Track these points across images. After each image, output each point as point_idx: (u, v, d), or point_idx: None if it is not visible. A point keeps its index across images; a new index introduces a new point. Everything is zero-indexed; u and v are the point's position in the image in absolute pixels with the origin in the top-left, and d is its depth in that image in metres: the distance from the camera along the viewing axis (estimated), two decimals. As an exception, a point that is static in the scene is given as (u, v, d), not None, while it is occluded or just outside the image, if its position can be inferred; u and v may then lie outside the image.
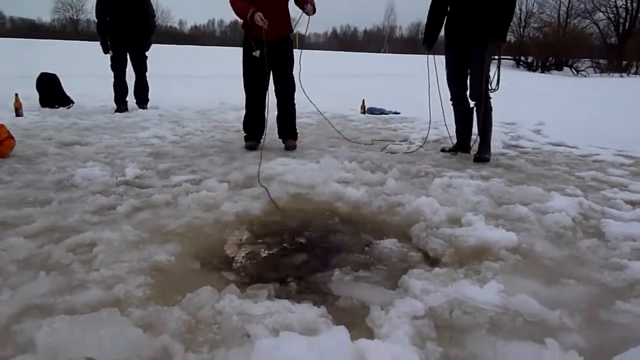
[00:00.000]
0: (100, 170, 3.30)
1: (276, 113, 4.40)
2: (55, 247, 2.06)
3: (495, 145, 4.61)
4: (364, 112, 7.11)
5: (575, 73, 30.50)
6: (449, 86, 4.16)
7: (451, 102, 4.22)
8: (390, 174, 3.37)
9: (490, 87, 3.93)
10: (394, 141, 4.91)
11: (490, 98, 3.97)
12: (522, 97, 9.50)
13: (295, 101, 4.39)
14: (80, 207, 2.61)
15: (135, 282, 1.76)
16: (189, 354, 1.35)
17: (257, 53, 4.02)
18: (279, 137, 4.38)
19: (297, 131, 4.48)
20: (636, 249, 2.13)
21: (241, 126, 5.51)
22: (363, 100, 7.15)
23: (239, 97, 7.90)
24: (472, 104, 4.09)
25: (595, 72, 30.84)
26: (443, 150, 4.33)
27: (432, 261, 2.09)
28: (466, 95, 4.11)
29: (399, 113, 7.19)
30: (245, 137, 4.46)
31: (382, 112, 7.13)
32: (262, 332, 1.40)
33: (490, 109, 3.98)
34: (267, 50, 3.94)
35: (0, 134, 3.79)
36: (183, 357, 1.33)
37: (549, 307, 1.60)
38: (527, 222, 2.44)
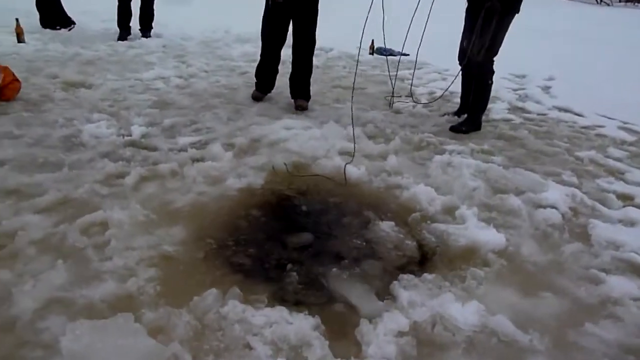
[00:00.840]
0: (107, 127, 3.34)
1: (290, 70, 4.25)
2: (70, 226, 2.18)
3: (501, 108, 4.60)
4: (372, 53, 6.95)
5: (599, 1, 28.99)
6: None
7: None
8: (392, 145, 3.42)
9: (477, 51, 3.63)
10: (399, 95, 4.85)
11: (490, 71, 3.81)
12: (537, 39, 9.18)
13: (313, 60, 4.23)
14: (90, 175, 2.70)
15: (145, 274, 1.91)
16: (197, 363, 1.52)
17: None
18: (291, 95, 4.30)
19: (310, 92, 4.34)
20: (616, 258, 2.26)
21: (245, 65, 5.44)
22: (372, 41, 6.94)
23: (243, 25, 7.70)
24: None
25: (620, 1, 29.25)
26: (446, 113, 4.30)
27: (423, 258, 2.22)
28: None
29: (407, 55, 6.99)
30: (255, 83, 4.41)
31: (390, 53, 6.93)
32: (261, 347, 1.56)
33: (487, 83, 3.83)
34: (291, 1, 3.80)
35: (5, 77, 3.78)
36: (191, 367, 1.51)
37: (522, 327, 1.76)
38: (518, 218, 2.55)
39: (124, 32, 6.58)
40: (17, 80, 3.91)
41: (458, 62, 4.06)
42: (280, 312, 1.73)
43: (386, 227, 2.39)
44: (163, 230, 2.23)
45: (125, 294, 1.80)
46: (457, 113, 4.26)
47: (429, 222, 2.46)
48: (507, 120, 4.31)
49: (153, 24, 6.83)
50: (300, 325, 1.67)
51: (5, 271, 1.87)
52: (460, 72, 4.14)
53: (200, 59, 5.77)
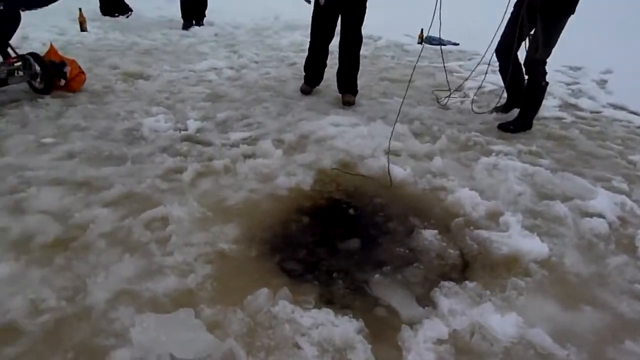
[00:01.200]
0: (165, 121, 3.54)
1: (337, 66, 4.30)
2: (134, 221, 2.38)
3: (552, 105, 4.51)
4: (421, 42, 6.88)
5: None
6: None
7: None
8: (438, 144, 3.45)
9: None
10: (448, 89, 4.82)
11: (543, 73, 3.69)
12: (598, 28, 8.78)
13: (360, 56, 4.26)
14: (151, 169, 2.90)
15: (203, 271, 2.07)
16: (250, 359, 1.67)
17: (321, 0, 3.93)
18: (338, 90, 4.37)
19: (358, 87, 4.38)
20: (662, 273, 2.25)
21: (293, 55, 5.53)
22: (422, 30, 6.87)
23: (292, 11, 7.77)
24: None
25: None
26: (495, 109, 4.25)
27: (464, 265, 2.29)
28: (508, 49, 3.78)
29: (457, 44, 6.91)
30: (304, 77, 4.50)
31: (440, 42, 6.84)
32: (308, 348, 1.70)
33: (540, 84, 3.71)
34: None
35: (72, 70, 4.04)
36: (245, 361, 1.66)
37: (560, 341, 1.81)
38: (563, 226, 2.56)
39: (188, 23, 6.79)
40: (82, 72, 4.16)
41: (496, 55, 3.98)
42: (326, 315, 1.85)
43: (429, 235, 2.44)
44: (218, 227, 2.39)
45: (185, 289, 1.97)
46: (506, 109, 4.21)
47: (472, 228, 2.51)
48: (558, 119, 4.23)
49: (206, 12, 7.01)
50: (345, 328, 1.79)
51: (81, 263, 2.08)
52: (499, 67, 4.05)
53: (251, 48, 5.91)
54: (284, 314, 1.84)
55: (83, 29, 6.07)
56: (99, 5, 7.17)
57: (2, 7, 3.32)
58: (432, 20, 2.93)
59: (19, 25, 3.68)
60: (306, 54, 4.41)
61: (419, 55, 3.39)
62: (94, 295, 1.91)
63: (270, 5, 8.27)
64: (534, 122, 3.98)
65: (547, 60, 3.64)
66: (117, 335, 1.74)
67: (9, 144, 3.12)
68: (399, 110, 3.21)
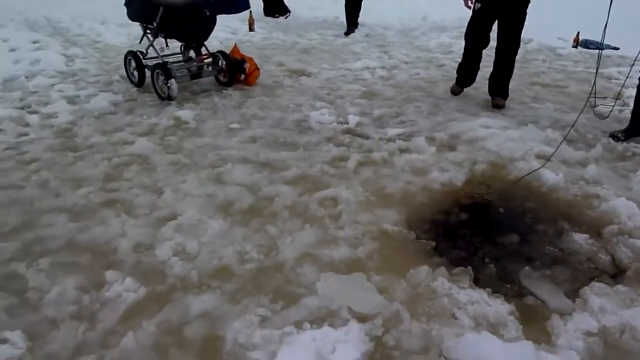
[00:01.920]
0: (328, 115, 3.99)
1: (491, 69, 4.38)
2: (309, 198, 2.82)
3: None
4: (576, 46, 6.60)
5: None
6: None
7: None
8: (592, 152, 3.44)
9: None
10: (605, 97, 4.66)
11: None
12: None
13: (515, 61, 4.29)
14: (319, 156, 3.35)
15: (370, 245, 2.43)
16: (413, 321, 1.98)
17: (476, 5, 4.08)
18: (488, 92, 4.46)
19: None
20: None
21: (442, 57, 5.72)
22: (577, 33, 6.58)
23: (441, 12, 7.89)
24: None
25: None
26: (613, 136, 3.75)
27: (616, 272, 2.36)
28: None
29: (617, 49, 6.50)
30: (456, 78, 4.66)
31: (597, 47, 6.52)
32: (466, 319, 1.96)
33: None
34: (496, 3, 3.97)
35: (250, 66, 4.69)
36: (409, 322, 1.97)
37: None
38: None
39: (352, 28, 7.25)
40: (257, 69, 4.80)
41: None
42: (480, 295, 2.10)
43: (580, 238, 2.55)
44: (380, 210, 2.74)
45: (356, 258, 2.34)
46: (626, 135, 3.93)
47: (626, 236, 2.55)
48: None
49: (360, 13, 7.45)
50: (498, 308, 2.02)
51: (271, 227, 2.56)
52: None
53: (400, 49, 6.21)
54: (442, 289, 2.12)
55: (251, 29, 6.87)
56: (263, 7, 7.99)
57: (208, 13, 4.00)
58: (607, 22, 2.94)
59: (214, 27, 4.39)
60: (454, 55, 4.59)
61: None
62: (284, 254, 2.36)
63: (418, 6, 8.48)
64: None
65: None
66: (305, 286, 2.16)
67: (205, 127, 3.79)
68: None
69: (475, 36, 4.29)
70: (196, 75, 4.58)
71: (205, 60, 4.69)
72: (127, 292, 2.07)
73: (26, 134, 3.65)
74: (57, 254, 2.33)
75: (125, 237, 2.45)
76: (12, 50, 5.82)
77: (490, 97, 4.44)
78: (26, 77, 4.87)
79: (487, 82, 4.46)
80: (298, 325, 1.91)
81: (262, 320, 1.95)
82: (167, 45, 4.49)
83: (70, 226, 2.54)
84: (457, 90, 4.64)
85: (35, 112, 4.03)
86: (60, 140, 3.56)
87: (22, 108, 4.13)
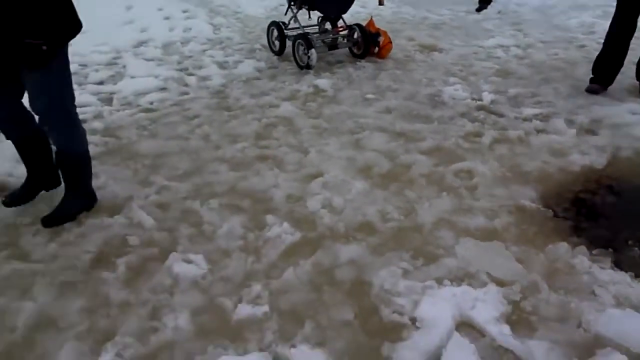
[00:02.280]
0: (462, 91, 4.02)
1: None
2: (445, 169, 2.94)
3: None
4: None
5: None
6: None
7: None
8: None
9: None
10: None
11: None
12: None
13: None
14: (453, 130, 3.42)
15: (506, 218, 2.50)
16: (552, 292, 2.05)
17: None
18: (636, 77, 4.18)
19: None
20: None
21: (583, 37, 5.37)
22: None
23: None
24: None
25: None
26: None
27: None
28: None
29: None
30: (590, 79, 4.12)
31: None
32: (607, 297, 1.99)
33: None
34: None
35: (384, 40, 4.82)
36: (547, 293, 2.04)
37: None
38: None
39: (484, 4, 7.05)
40: (390, 42, 4.92)
41: None
42: (623, 276, 2.09)
43: None
44: (516, 187, 2.77)
45: (492, 228, 2.43)
46: None
47: None
48: None
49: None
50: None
51: (409, 192, 2.72)
52: None
53: (537, 28, 5.94)
54: (581, 267, 2.15)
55: (381, 3, 6.95)
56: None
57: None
58: None
59: (354, 0, 4.58)
60: (596, 36, 4.17)
61: None
62: (422, 217, 2.52)
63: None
64: None
65: None
66: (444, 248, 2.30)
67: (342, 96, 4.02)
68: None
69: (619, 20, 3.87)
70: (332, 46, 4.81)
71: (341, 33, 4.89)
72: (285, 234, 2.37)
73: (187, 93, 4.14)
74: (223, 197, 2.70)
75: (279, 188, 2.76)
76: (167, 18, 6.50)
77: (638, 83, 4.15)
78: (181, 43, 5.45)
79: (634, 66, 4.16)
80: (439, 281, 2.07)
81: (405, 272, 2.13)
82: (309, 17, 4.76)
83: (232, 174, 2.91)
84: (596, 89, 4.07)
85: (192, 75, 4.54)
86: (216, 100, 4.00)
87: (181, 70, 4.67)
